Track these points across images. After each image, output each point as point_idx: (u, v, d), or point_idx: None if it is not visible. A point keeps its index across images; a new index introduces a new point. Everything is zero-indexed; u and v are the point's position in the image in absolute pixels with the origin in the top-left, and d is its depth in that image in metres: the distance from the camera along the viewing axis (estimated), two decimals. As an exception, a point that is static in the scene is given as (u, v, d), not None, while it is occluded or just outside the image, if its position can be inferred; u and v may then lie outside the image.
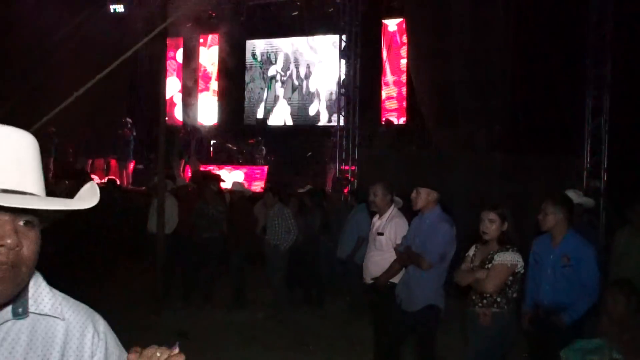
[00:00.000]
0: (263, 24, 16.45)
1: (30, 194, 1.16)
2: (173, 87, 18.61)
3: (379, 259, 5.16)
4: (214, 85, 18.16)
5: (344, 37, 13.42)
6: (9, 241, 1.10)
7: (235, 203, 8.39)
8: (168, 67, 18.46)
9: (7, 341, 1.18)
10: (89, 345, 1.27)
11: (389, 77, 15.24)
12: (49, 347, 1.22)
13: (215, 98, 18.08)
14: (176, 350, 1.21)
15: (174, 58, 18.48)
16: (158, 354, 1.18)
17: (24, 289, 1.20)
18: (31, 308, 1.22)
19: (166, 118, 17.61)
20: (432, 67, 11.49)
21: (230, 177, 13.50)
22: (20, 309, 1.20)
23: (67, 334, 1.25)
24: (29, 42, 13.12)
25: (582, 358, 4.16)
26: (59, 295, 1.29)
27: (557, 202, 4.36)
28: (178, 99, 18.60)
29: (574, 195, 5.22)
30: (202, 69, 18.29)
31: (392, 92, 15.25)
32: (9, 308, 1.18)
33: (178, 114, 18.52)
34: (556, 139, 10.35)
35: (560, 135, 10.55)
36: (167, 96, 18.49)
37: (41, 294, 1.25)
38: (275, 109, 17.26)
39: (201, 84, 18.24)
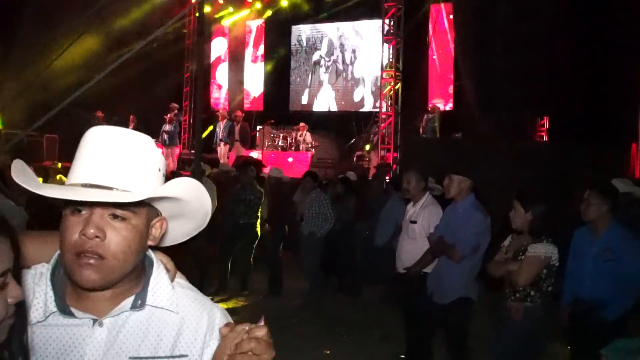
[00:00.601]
0: (309, 9, 16.36)
1: (118, 189, 1.24)
2: (222, 74, 18.79)
3: (412, 247, 5.03)
4: (260, 70, 18.17)
5: (387, 21, 13.20)
6: (91, 231, 1.20)
7: (273, 189, 8.34)
8: (216, 53, 18.68)
9: (122, 332, 1.30)
10: (201, 338, 1.36)
11: (435, 62, 14.90)
12: (162, 338, 1.33)
13: (262, 84, 18.10)
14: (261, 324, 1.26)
15: (225, 42, 18.60)
16: (247, 328, 1.24)
17: (143, 282, 1.35)
18: (149, 301, 1.33)
19: (212, 103, 18.13)
20: (478, 53, 11.22)
21: (275, 162, 13.53)
22: (138, 302, 1.32)
23: (180, 326, 1.35)
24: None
25: (624, 358, 3.93)
26: (180, 289, 1.41)
27: (601, 191, 4.11)
28: (224, 84, 18.73)
29: (620, 185, 4.95)
30: (250, 55, 18.32)
31: (438, 78, 14.91)
32: (130, 300, 1.31)
33: (224, 99, 18.66)
34: (605, 128, 9.93)
35: (609, 123, 10.13)
36: (215, 81, 18.79)
37: (160, 288, 1.36)
38: (319, 95, 17.19)
39: (248, 70, 18.28)
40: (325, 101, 17.09)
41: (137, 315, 1.32)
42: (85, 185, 1.23)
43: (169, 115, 15.35)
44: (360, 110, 16.24)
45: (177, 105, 16.03)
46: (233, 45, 18.51)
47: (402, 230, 5.31)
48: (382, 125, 13.24)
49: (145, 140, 1.31)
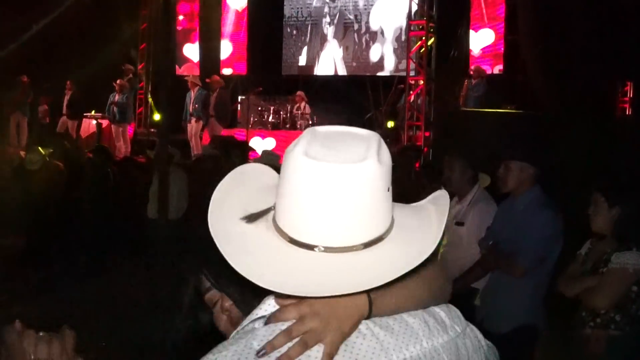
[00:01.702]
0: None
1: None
2: (189, 29, 18.75)
3: (458, 256, 5.08)
4: (242, 20, 18.18)
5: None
6: None
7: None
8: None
9: None
10: None
11: (481, 11, 14.94)
12: None
13: (245, 40, 18.13)
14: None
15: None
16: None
17: None
18: None
19: (177, 66, 18.09)
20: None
21: (263, 145, 13.61)
22: None
23: None
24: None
25: None
26: None
27: None
28: (195, 44, 18.70)
29: None
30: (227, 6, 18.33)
31: (485, 33, 14.95)
32: None
33: (195, 62, 18.61)
34: None
35: None
36: (182, 41, 18.70)
37: None
38: (322, 55, 17.24)
39: (227, 24, 18.28)
40: (330, 63, 17.19)
41: None
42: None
43: (119, 82, 15.41)
44: (379, 74, 16.34)
45: (132, 68, 16.09)
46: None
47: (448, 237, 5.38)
48: (410, 94, 13.28)
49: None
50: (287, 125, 14.99)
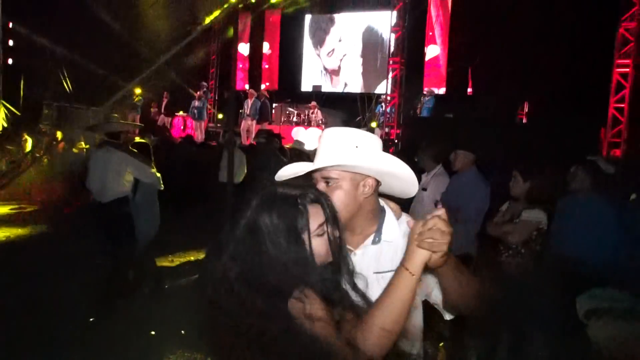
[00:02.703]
0: (319, 1, 16.29)
1: (326, 167, 1.68)
2: (243, 57, 18.67)
3: (420, 212, 5.07)
4: (274, 55, 18.07)
5: (394, 13, 13.19)
6: (319, 186, 1.70)
7: (294, 159, 8.48)
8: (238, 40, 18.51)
9: (365, 259, 1.75)
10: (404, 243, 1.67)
11: (431, 50, 14.84)
12: (388, 262, 1.73)
13: (277, 67, 18.02)
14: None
15: (244, 34, 18.43)
16: (424, 221, 1.48)
17: (378, 223, 1.79)
18: (383, 237, 1.77)
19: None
20: (472, 46, 11.23)
21: (297, 135, 13.63)
22: (376, 239, 1.77)
23: (395, 251, 1.72)
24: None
25: (598, 303, 4.12)
26: (404, 225, 1.78)
27: (586, 166, 4.27)
28: (244, 68, 18.64)
29: (602, 163, 5.08)
30: (267, 42, 18.19)
31: (433, 65, 14.87)
32: (370, 238, 1.77)
33: (244, 80, 18.58)
34: (578, 115, 10.03)
35: (582, 111, 10.20)
36: (238, 63, 18.64)
37: (387, 227, 1.78)
38: (328, 77, 17.14)
39: (265, 55, 18.18)
40: (334, 83, 17.04)
41: (374, 248, 1.76)
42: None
43: (198, 93, 15.38)
44: (366, 92, 16.19)
45: (205, 84, 16.05)
46: (253, 31, 18.36)
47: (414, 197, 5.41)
48: (387, 105, 13.27)
49: (346, 133, 1.72)
50: (305, 124, 14.93)
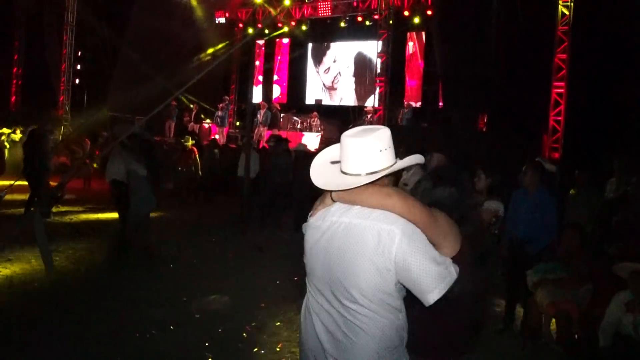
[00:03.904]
0: (320, 32, 16.26)
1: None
2: (256, 76, 18.60)
3: None
4: (283, 74, 18.04)
5: (380, 42, 13.19)
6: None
7: (298, 158, 8.50)
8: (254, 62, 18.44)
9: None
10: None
11: (410, 72, 14.87)
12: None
13: (285, 84, 18.01)
14: None
15: (259, 57, 18.37)
16: None
17: None
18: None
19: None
20: (442, 67, 11.23)
21: (299, 139, 13.60)
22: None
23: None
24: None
25: (542, 275, 4.18)
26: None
27: (535, 166, 4.31)
28: (259, 86, 18.59)
29: (546, 163, 5.12)
30: (278, 63, 18.14)
31: (411, 83, 14.90)
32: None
33: (258, 95, 18.53)
34: (524, 124, 10.09)
35: (527, 120, 10.26)
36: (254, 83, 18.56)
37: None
38: (327, 93, 17.12)
39: (276, 74, 18.13)
40: (331, 97, 17.02)
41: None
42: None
43: (221, 105, 15.34)
44: (355, 104, 16.14)
45: (227, 98, 16.01)
46: (266, 54, 18.29)
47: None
48: (374, 116, 13.29)
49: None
50: (307, 130, 14.90)
